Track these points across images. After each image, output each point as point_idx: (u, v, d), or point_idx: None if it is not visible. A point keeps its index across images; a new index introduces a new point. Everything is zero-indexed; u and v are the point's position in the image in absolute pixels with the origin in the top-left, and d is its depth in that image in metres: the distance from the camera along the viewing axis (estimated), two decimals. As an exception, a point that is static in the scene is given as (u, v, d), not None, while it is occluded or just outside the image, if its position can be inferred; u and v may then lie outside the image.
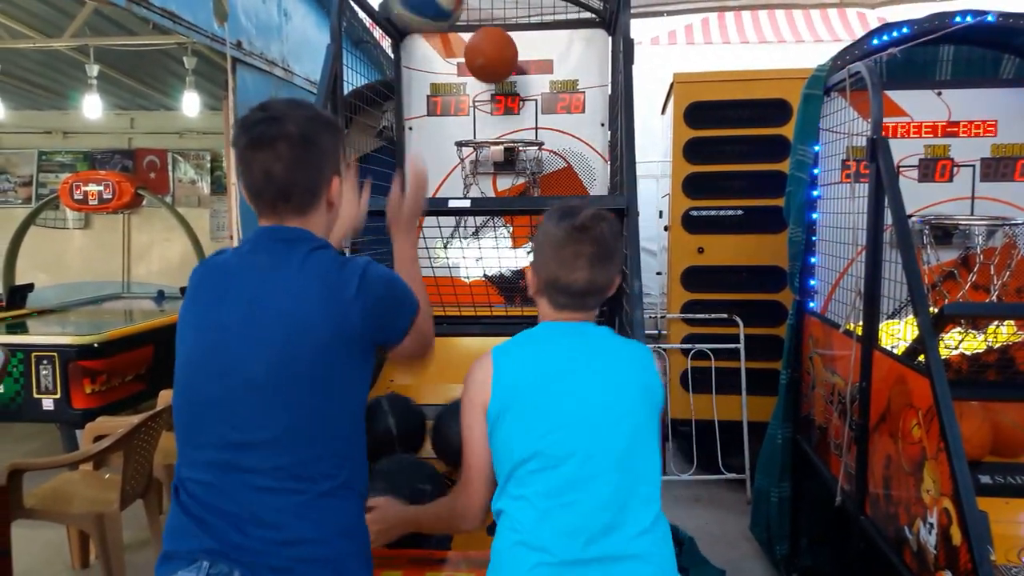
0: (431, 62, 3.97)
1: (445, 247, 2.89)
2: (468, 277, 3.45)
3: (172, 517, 1.45)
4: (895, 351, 2.63)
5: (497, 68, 3.56)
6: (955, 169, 3.55)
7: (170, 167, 7.74)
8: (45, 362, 4.46)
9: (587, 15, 3.86)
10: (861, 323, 2.79)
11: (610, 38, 3.74)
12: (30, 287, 5.95)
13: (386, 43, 4.42)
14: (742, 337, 4.72)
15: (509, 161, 3.78)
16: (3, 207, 7.91)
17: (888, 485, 2.53)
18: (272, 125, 1.43)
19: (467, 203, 2.50)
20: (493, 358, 1.60)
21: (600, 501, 1.46)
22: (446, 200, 2.47)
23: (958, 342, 2.92)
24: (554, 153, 3.89)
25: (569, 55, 3.88)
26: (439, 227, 2.87)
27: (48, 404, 4.51)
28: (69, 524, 3.59)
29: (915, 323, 2.38)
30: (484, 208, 2.82)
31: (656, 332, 5.97)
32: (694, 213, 4.80)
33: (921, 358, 2.32)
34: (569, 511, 1.45)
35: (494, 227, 3.59)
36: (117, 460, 3.42)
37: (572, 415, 1.51)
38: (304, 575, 1.38)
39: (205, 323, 1.45)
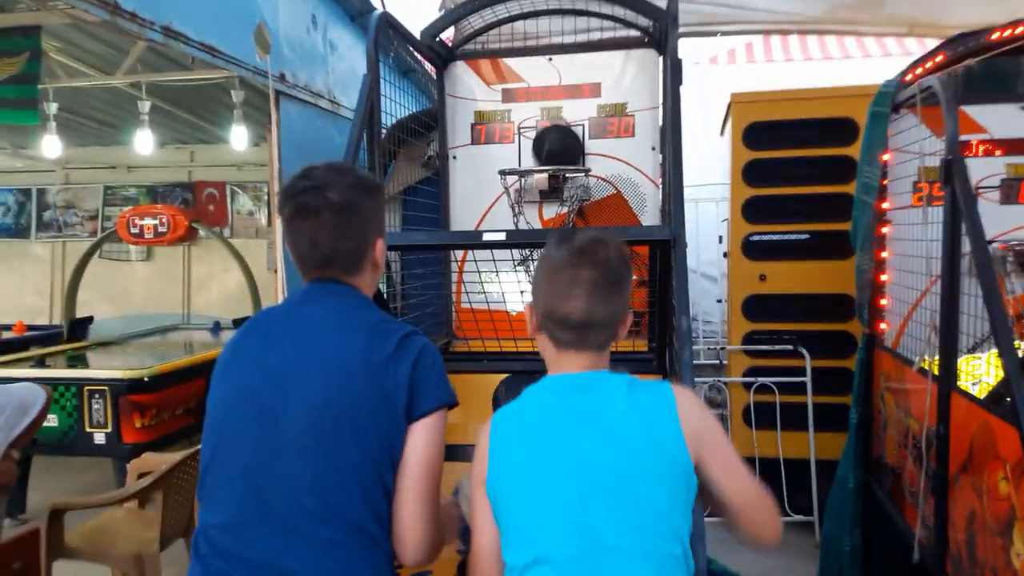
0: (475, 89, 3.88)
1: (481, 282, 2.75)
2: (512, 311, 3.31)
3: (192, 573, 1.41)
4: (976, 392, 2.38)
5: None
6: (1041, 189, 3.26)
7: (228, 199, 7.88)
8: (97, 396, 4.48)
9: (635, 34, 3.72)
10: (937, 359, 2.53)
11: (660, 58, 3.59)
12: (90, 319, 6.08)
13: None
14: (808, 370, 4.43)
15: (555, 189, 3.65)
16: (72, 241, 8.20)
17: (972, 544, 2.26)
18: (316, 194, 1.46)
19: (502, 235, 2.36)
20: (492, 424, 1.42)
21: None
22: (480, 233, 2.35)
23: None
24: (602, 179, 3.74)
25: (618, 77, 3.74)
26: (475, 260, 2.74)
27: (100, 438, 4.53)
28: (109, 564, 3.55)
29: (998, 362, 2.14)
30: (519, 241, 2.67)
31: (718, 363, 5.71)
32: (755, 238, 4.55)
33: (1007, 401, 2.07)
34: None
35: (533, 261, 3.44)
36: (160, 498, 3.37)
37: (573, 497, 1.29)
38: None
39: (247, 366, 1.46)
